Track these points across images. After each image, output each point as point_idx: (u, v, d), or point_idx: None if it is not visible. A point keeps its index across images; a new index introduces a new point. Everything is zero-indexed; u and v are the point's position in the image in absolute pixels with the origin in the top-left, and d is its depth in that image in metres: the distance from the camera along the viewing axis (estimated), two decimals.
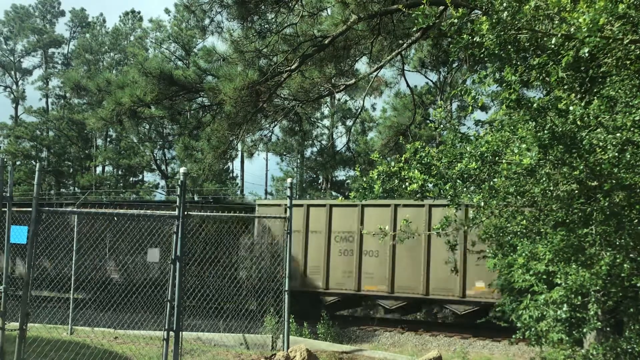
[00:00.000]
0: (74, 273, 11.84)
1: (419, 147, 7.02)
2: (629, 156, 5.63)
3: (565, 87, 6.32)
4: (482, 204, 7.07)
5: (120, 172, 48.27)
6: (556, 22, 5.90)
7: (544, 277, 6.52)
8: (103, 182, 45.63)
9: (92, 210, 8.24)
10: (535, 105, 5.78)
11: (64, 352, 7.87)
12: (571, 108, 5.78)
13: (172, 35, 40.45)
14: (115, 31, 48.76)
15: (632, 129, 5.62)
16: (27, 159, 45.37)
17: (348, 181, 41.87)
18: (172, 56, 38.98)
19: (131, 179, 48.29)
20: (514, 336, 7.45)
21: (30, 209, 6.78)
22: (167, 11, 45.74)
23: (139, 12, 49.48)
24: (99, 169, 47.80)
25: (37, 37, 49.75)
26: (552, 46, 5.87)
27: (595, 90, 6.36)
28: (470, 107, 6.68)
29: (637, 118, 5.57)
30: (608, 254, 5.95)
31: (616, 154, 5.62)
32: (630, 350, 6.23)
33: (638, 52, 5.83)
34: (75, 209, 11.36)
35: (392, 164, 7.09)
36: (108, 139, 47.80)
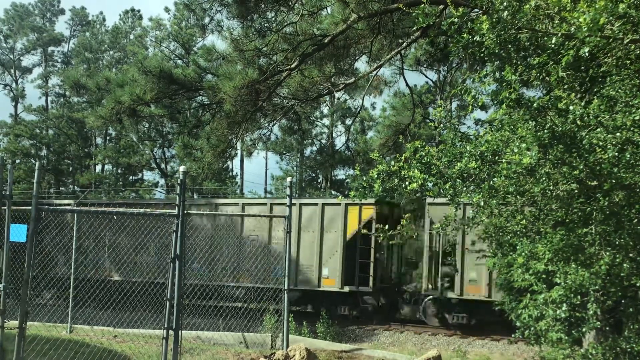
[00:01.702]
0: (73, 272, 11.83)
1: (419, 146, 7.02)
2: (628, 156, 5.63)
3: (565, 86, 6.31)
4: (482, 203, 7.06)
5: (119, 171, 48.20)
6: (556, 21, 5.90)
7: (544, 276, 6.52)
8: (103, 181, 45.60)
9: (91, 209, 8.22)
10: (535, 104, 5.77)
11: (63, 351, 7.86)
12: (571, 107, 5.78)
13: (171, 34, 40.39)
14: (115, 30, 48.70)
15: (632, 128, 5.62)
16: (26, 158, 45.32)
17: (348, 180, 41.86)
18: (172, 55, 38.91)
19: (131, 177, 48.23)
20: (513, 335, 7.45)
21: (29, 207, 6.77)
22: (167, 10, 45.76)
23: (138, 11, 49.58)
24: (98, 168, 47.76)
25: (37, 36, 49.68)
26: (552, 46, 5.86)
27: (595, 89, 6.35)
28: (470, 107, 6.68)
29: (637, 118, 5.57)
30: (607, 253, 5.95)
31: (616, 153, 5.61)
32: (629, 350, 6.23)
33: (638, 52, 5.83)
34: (74, 208, 11.35)
35: (392, 163, 7.09)
36: (108, 138, 47.75)
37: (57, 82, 49.09)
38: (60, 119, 45.68)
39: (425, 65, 28.51)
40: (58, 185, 46.83)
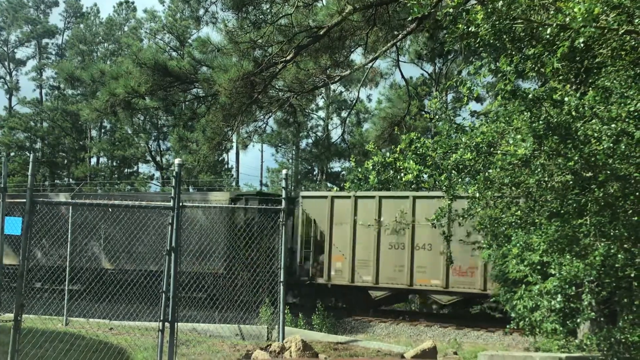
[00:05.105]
0: (68, 264, 11.82)
1: (415, 138, 7.03)
2: (623, 147, 5.64)
3: (561, 77, 6.31)
4: (477, 194, 7.07)
5: (114, 164, 48.07)
6: (551, 12, 5.89)
7: (538, 267, 6.54)
8: (98, 174, 45.50)
9: (86, 202, 8.20)
10: (530, 96, 5.77)
11: (58, 343, 7.86)
12: (566, 99, 5.78)
13: (166, 26, 40.15)
14: (109, 21, 48.40)
15: (627, 119, 5.62)
16: (21, 150, 45.15)
17: (343, 172, 41.86)
18: (167, 47, 38.72)
19: (126, 170, 48.13)
20: (508, 326, 7.48)
21: (24, 200, 6.75)
22: (161, 1, 45.20)
23: (132, 3, 49.11)
24: (93, 160, 47.62)
25: (31, 28, 49.39)
26: (548, 36, 5.85)
27: (590, 81, 6.36)
28: (466, 98, 6.68)
29: (632, 109, 5.57)
30: (602, 244, 5.96)
31: (611, 144, 5.62)
32: (623, 340, 6.26)
33: (633, 43, 5.82)
34: (69, 200, 11.32)
35: (388, 154, 7.10)
36: (102, 130, 47.58)
37: (51, 74, 48.87)
38: (54, 111, 45.45)
39: (424, 59, 28.50)
40: (53, 178, 46.67)
